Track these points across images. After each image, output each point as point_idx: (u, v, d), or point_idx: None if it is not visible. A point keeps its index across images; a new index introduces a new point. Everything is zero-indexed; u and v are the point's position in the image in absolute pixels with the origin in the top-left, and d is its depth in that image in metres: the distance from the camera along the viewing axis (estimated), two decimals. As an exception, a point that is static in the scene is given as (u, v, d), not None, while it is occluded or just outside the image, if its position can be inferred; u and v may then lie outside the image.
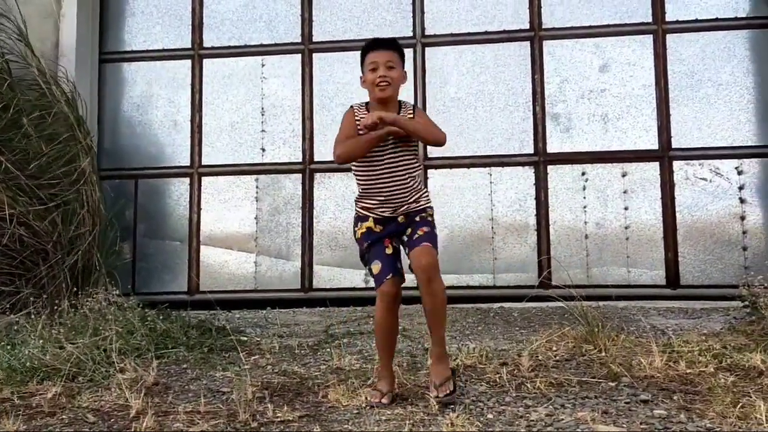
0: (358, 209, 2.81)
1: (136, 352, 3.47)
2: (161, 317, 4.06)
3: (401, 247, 2.74)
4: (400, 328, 4.23)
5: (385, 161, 2.71)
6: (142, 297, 5.21)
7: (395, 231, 2.73)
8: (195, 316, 4.48)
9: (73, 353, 3.26)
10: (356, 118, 2.75)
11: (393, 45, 2.82)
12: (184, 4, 6.00)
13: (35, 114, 5.06)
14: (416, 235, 2.67)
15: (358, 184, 2.80)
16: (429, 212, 2.76)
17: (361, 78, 2.83)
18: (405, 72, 2.82)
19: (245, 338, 4.03)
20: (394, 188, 2.71)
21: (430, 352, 2.71)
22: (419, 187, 2.76)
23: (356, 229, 2.82)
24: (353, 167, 2.79)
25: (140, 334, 3.68)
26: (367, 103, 2.81)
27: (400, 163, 2.72)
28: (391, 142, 2.71)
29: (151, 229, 5.85)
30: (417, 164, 2.78)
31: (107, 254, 5.25)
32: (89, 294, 4.53)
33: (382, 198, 2.72)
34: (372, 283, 5.87)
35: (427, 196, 2.79)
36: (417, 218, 2.73)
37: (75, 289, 4.75)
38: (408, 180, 2.72)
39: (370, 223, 2.76)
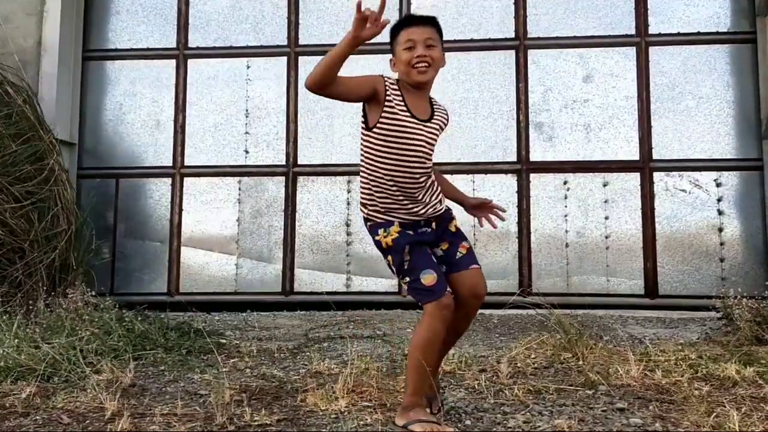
0: (374, 215, 2.38)
1: (113, 353, 3.43)
2: (139, 318, 4.02)
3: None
4: (380, 333, 4.25)
5: (422, 144, 2.33)
6: (120, 297, 5.17)
7: (431, 240, 2.42)
8: (174, 318, 4.45)
9: (48, 353, 3.21)
10: (385, 88, 2.31)
11: (432, 21, 2.41)
12: (169, 3, 5.97)
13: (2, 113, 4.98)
14: (459, 254, 2.44)
15: (372, 180, 2.36)
16: (454, 216, 2.49)
17: (391, 61, 2.42)
18: (444, 54, 2.41)
19: (224, 341, 4.00)
20: (421, 182, 2.36)
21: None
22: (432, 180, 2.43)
23: (381, 237, 2.36)
24: (370, 155, 2.34)
25: (117, 335, 3.64)
26: (398, 81, 2.38)
27: (429, 150, 2.37)
28: (429, 120, 2.37)
29: (132, 229, 5.80)
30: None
31: (84, 253, 5.19)
32: (65, 294, 4.48)
33: (402, 195, 2.33)
34: (355, 288, 5.88)
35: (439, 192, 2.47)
36: (451, 228, 2.47)
37: (52, 288, 4.70)
38: (429, 170, 2.40)
39: (397, 228, 2.35)
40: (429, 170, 2.38)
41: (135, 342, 3.65)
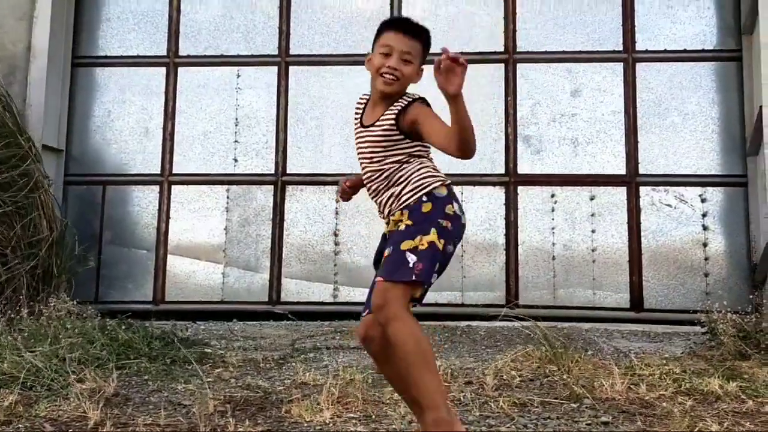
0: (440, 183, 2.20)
1: (97, 362, 3.40)
2: (123, 327, 3.99)
3: None
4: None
5: (360, 150, 2.31)
6: (105, 305, 5.14)
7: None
8: (159, 327, 4.41)
9: (31, 361, 3.18)
10: (356, 108, 2.34)
11: (420, 33, 2.27)
12: (161, 11, 5.97)
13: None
14: (383, 259, 2.15)
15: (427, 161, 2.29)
16: (407, 211, 2.16)
17: (366, 57, 2.31)
18: (421, 69, 2.27)
19: (209, 350, 3.98)
20: (371, 187, 2.28)
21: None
22: (408, 174, 2.22)
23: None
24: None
25: (101, 344, 3.61)
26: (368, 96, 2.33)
27: (368, 155, 2.29)
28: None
29: (118, 236, 5.77)
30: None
31: (67, 261, 5.15)
32: (48, 301, 4.44)
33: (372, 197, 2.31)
34: (341, 298, 5.88)
35: (418, 180, 2.19)
36: (392, 228, 2.20)
37: (35, 295, 4.65)
38: (378, 175, 2.25)
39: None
40: (378, 175, 2.24)
41: (119, 351, 3.63)
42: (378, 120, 2.26)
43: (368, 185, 2.29)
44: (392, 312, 2.01)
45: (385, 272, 2.08)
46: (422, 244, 2.06)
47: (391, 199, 2.21)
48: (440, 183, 2.21)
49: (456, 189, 5.80)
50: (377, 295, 2.05)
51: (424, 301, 2.23)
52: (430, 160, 2.31)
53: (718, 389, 2.97)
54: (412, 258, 2.04)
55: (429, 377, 1.98)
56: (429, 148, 2.30)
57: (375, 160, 2.25)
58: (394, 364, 2.11)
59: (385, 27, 2.29)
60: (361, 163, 2.30)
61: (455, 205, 2.19)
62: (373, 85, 2.27)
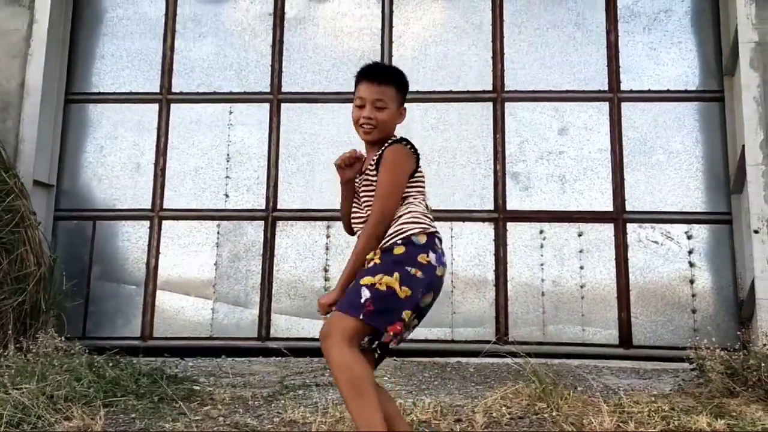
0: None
1: (84, 400, 3.37)
2: (110, 364, 3.96)
3: None
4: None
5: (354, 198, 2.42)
6: (93, 342, 5.09)
7: None
8: (147, 363, 4.38)
9: (17, 398, 3.15)
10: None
11: (389, 77, 2.37)
12: (154, 49, 6.06)
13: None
14: None
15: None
16: (379, 252, 2.19)
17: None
18: (403, 109, 2.39)
19: (198, 387, 3.95)
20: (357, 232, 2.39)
21: None
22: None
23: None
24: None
25: (88, 381, 3.58)
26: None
27: (358, 201, 2.38)
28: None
29: (107, 271, 5.75)
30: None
31: (55, 296, 5.13)
32: (36, 337, 4.41)
33: None
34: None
35: (398, 225, 2.22)
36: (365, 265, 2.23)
37: (22, 331, 4.62)
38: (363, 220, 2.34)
39: None
40: (365, 219, 2.30)
41: (106, 388, 3.60)
42: (368, 166, 2.34)
43: (357, 228, 2.37)
44: (331, 342, 2.06)
45: (340, 304, 2.15)
46: (380, 284, 2.08)
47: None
48: (420, 231, 2.21)
49: (446, 224, 5.86)
50: (326, 324, 2.12)
51: (413, 337, 2.25)
52: (424, 201, 2.32)
53: (706, 427, 2.98)
54: (365, 294, 2.08)
55: (363, 411, 2.00)
56: (423, 188, 2.33)
57: (365, 204, 2.32)
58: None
59: (357, 79, 2.38)
60: (355, 209, 2.39)
61: (432, 255, 2.19)
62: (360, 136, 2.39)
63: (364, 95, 2.32)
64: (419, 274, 2.13)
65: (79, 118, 6.00)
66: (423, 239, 2.20)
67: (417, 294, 2.12)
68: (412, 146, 2.33)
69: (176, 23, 6.08)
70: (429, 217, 2.30)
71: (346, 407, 2.13)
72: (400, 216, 2.24)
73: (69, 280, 5.34)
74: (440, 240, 2.29)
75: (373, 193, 2.27)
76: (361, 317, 2.05)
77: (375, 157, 2.30)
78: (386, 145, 2.30)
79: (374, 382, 2.07)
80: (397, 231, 2.20)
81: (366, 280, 2.10)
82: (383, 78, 2.35)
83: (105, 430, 2.98)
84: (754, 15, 5.25)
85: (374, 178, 2.28)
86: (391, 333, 2.11)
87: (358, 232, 2.34)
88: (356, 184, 2.37)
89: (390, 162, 2.25)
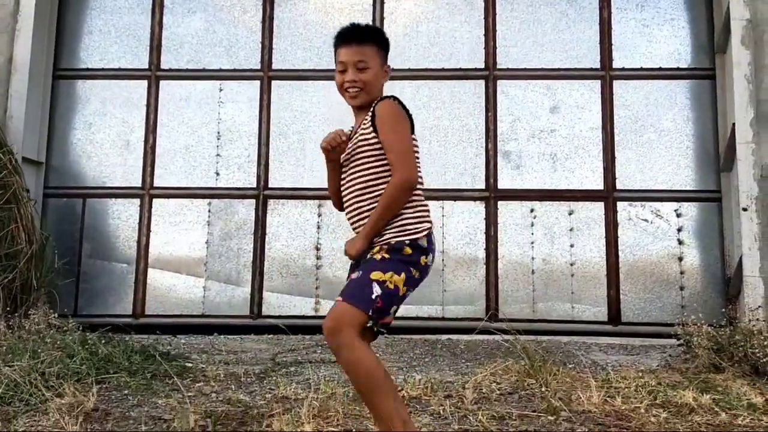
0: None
1: (76, 377, 3.38)
2: (103, 341, 3.97)
3: None
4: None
5: (344, 168, 2.31)
6: (84, 319, 5.09)
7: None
8: (139, 341, 4.40)
9: (9, 376, 3.16)
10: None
11: (367, 36, 2.28)
12: (143, 25, 5.98)
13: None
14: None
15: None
16: (386, 246, 2.14)
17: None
18: (387, 67, 2.32)
19: (190, 364, 3.97)
20: (348, 207, 2.29)
21: None
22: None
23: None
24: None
25: (80, 358, 3.59)
26: None
27: (351, 170, 2.28)
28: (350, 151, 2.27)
29: (98, 249, 5.73)
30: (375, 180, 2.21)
31: (47, 274, 5.12)
32: (27, 315, 4.41)
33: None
34: (322, 312, 5.90)
35: (405, 224, 2.17)
36: (368, 255, 2.16)
37: (13, 309, 4.61)
38: (361, 192, 2.23)
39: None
40: (361, 192, 2.22)
41: (98, 365, 3.61)
42: (357, 131, 2.27)
43: (350, 201, 2.26)
44: (341, 340, 1.99)
45: (348, 294, 2.06)
46: (390, 283, 2.06)
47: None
48: (425, 234, 2.18)
49: (437, 203, 5.86)
50: (332, 317, 2.03)
51: (405, 315, 2.25)
52: (421, 179, 2.27)
53: (693, 402, 3.03)
54: (377, 290, 2.04)
55: (382, 403, 1.99)
56: (419, 160, 2.27)
57: (360, 168, 2.22)
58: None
59: (336, 43, 2.29)
60: (350, 180, 2.26)
61: (430, 256, 2.19)
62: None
63: (345, 59, 2.24)
64: (417, 275, 2.15)
65: (68, 95, 5.93)
66: (425, 242, 2.18)
67: (410, 291, 2.15)
68: (404, 105, 2.24)
69: (165, -2, 6.00)
70: (426, 205, 2.28)
71: (365, 404, 2.09)
72: (406, 209, 2.18)
73: (60, 258, 5.33)
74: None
75: (369, 154, 2.20)
76: (370, 313, 2.03)
77: (368, 117, 2.22)
78: (375, 103, 2.22)
79: (385, 369, 2.06)
80: (404, 230, 2.15)
81: (377, 275, 2.06)
82: (361, 38, 2.26)
83: (98, 406, 2.99)
84: (746, -8, 5.23)
85: (369, 136, 2.20)
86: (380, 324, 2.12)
87: (352, 206, 2.24)
88: (346, 154, 2.27)
89: (389, 117, 2.18)
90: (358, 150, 2.23)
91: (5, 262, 4.79)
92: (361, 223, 2.21)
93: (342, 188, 2.30)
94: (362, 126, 2.24)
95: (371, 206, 2.18)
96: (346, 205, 2.29)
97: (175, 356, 4.19)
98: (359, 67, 2.22)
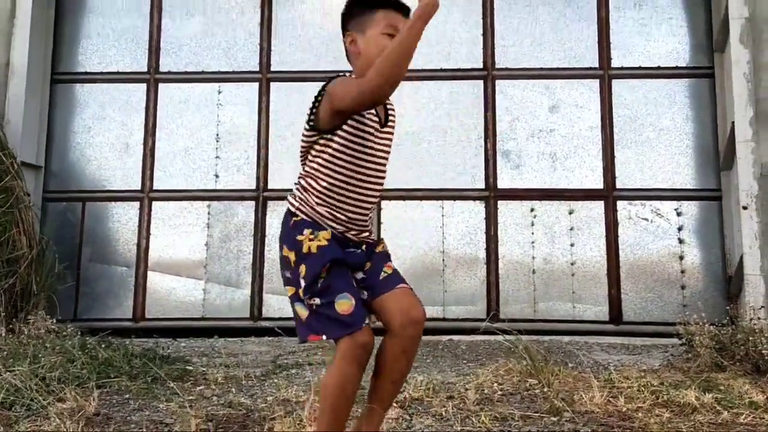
0: (310, 211, 1.99)
1: (77, 381, 3.37)
2: (103, 345, 3.96)
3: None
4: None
5: (377, 150, 2.04)
6: (84, 323, 5.09)
7: (356, 263, 2.03)
8: (139, 344, 4.39)
9: (10, 381, 3.15)
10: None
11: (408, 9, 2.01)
12: (141, 28, 5.98)
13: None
14: (384, 273, 2.02)
15: (323, 176, 2.00)
16: (382, 239, 2.15)
17: (349, 37, 2.05)
18: None
19: (191, 368, 3.96)
20: (371, 196, 2.05)
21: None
22: None
23: (305, 237, 1.95)
24: (322, 146, 2.00)
25: (81, 363, 3.58)
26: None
27: (384, 158, 2.08)
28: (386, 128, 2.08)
29: (97, 253, 5.72)
30: None
31: (47, 278, 5.11)
32: (27, 319, 4.40)
33: (354, 206, 2.02)
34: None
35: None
36: (377, 249, 2.08)
37: (13, 313, 4.60)
38: (380, 190, 2.10)
39: (328, 235, 1.96)
40: (383, 185, 2.10)
41: (99, 369, 3.60)
42: (388, 121, 2.13)
43: (374, 195, 2.06)
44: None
45: (405, 282, 2.06)
46: None
47: (370, 221, 2.13)
48: None
49: (437, 203, 5.85)
50: (418, 300, 2.03)
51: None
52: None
53: (695, 401, 3.02)
54: None
55: None
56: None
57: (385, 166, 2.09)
58: (403, 376, 2.06)
59: (380, 3, 2.01)
60: (374, 169, 2.05)
61: None
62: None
63: (400, 24, 1.94)
64: None
65: (66, 99, 5.92)
66: None
67: None
68: None
69: (163, 1, 5.99)
70: None
71: (399, 381, 2.10)
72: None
73: (60, 262, 5.32)
74: None
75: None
76: None
77: (394, 118, 2.11)
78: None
79: None
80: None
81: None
82: (408, 12, 2.00)
83: (99, 411, 2.98)
84: (744, -10, 5.23)
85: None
86: None
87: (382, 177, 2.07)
88: (383, 141, 2.06)
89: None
90: (389, 147, 2.11)
91: (6, 267, 4.78)
92: (367, 218, 2.08)
93: (375, 157, 2.03)
94: (391, 123, 2.13)
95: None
96: (377, 175, 2.05)
97: (176, 359, 4.18)
98: None
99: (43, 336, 4.05)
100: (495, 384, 3.40)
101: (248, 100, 5.87)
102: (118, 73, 5.93)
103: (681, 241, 5.41)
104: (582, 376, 3.55)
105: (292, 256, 1.98)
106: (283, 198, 6.13)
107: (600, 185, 5.55)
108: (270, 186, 5.75)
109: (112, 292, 5.68)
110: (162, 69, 5.93)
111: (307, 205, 2.02)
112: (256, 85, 5.87)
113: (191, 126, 5.86)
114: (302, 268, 1.94)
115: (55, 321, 4.36)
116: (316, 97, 2.04)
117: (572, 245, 5.49)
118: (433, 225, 5.59)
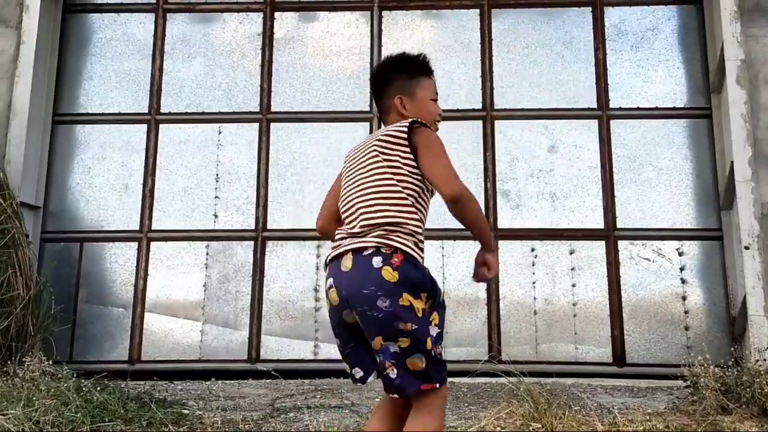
0: (418, 252, 2.06)
1: (71, 426, 3.29)
2: (98, 388, 3.89)
3: None
4: (348, 402, 4.16)
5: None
6: (81, 365, 5.00)
7: None
8: (135, 387, 4.31)
9: (2, 425, 3.07)
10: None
11: None
12: (143, 70, 6.04)
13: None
14: None
15: (416, 218, 2.17)
16: None
17: (400, 99, 2.23)
18: None
19: (187, 411, 3.88)
20: None
21: None
22: None
23: (426, 278, 2.00)
24: (420, 189, 2.16)
25: (75, 406, 3.50)
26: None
27: None
28: None
29: (94, 294, 5.67)
30: None
31: (43, 320, 5.05)
32: (22, 362, 4.33)
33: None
34: (322, 356, 5.81)
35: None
36: None
37: (8, 355, 4.53)
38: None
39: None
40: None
41: (93, 413, 3.51)
42: (388, 133, 2.27)
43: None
44: None
45: None
46: None
47: None
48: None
49: (436, 243, 5.83)
50: None
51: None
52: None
53: (703, 445, 2.95)
54: None
55: None
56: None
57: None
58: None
59: (422, 69, 2.29)
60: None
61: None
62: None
63: (437, 91, 2.34)
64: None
65: (67, 139, 5.95)
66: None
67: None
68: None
69: (165, 44, 6.07)
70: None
71: None
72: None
73: (56, 302, 5.26)
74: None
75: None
76: None
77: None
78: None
79: None
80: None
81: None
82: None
83: (91, 457, 2.90)
84: (739, 33, 5.31)
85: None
86: None
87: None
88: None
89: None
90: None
91: (2, 308, 4.73)
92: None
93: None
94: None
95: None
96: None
97: (172, 403, 4.10)
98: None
99: (38, 378, 3.97)
100: (497, 428, 3.32)
101: (248, 141, 5.89)
102: (119, 114, 5.97)
103: (683, 281, 5.37)
104: (586, 419, 3.47)
105: (419, 305, 1.91)
106: (283, 237, 6.10)
107: (601, 225, 5.53)
108: (269, 226, 5.73)
109: (108, 333, 5.61)
110: (163, 110, 5.97)
111: (412, 238, 2.07)
112: (256, 125, 5.91)
113: (191, 166, 5.87)
114: (435, 316, 1.95)
115: (51, 363, 4.29)
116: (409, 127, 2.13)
117: (574, 285, 5.45)
118: (434, 266, 5.55)
